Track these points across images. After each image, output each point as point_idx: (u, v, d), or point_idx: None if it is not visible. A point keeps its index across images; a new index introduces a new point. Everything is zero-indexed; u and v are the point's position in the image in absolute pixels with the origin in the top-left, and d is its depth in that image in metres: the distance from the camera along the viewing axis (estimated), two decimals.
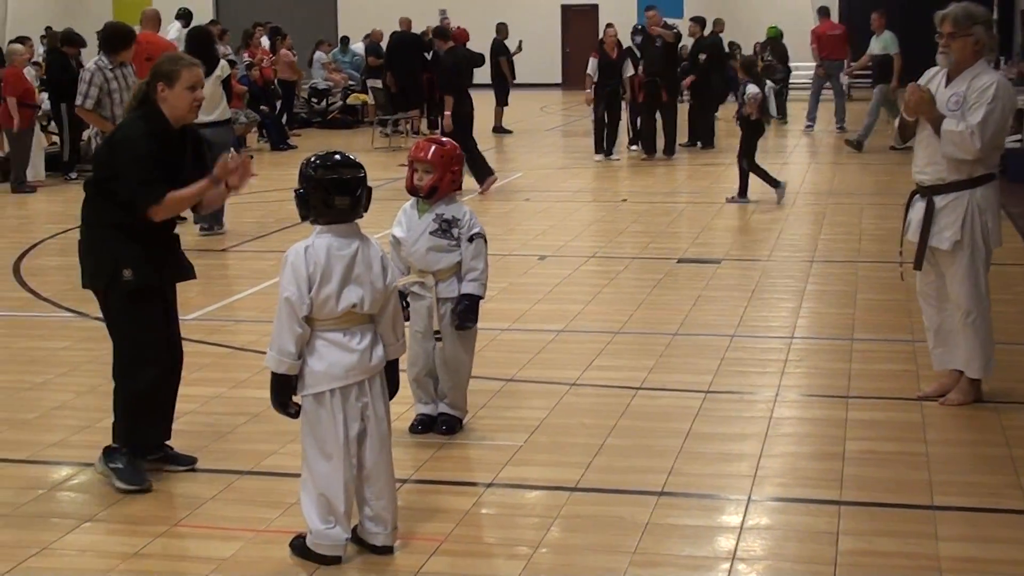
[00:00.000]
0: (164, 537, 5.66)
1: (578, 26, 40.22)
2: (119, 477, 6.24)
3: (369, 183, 5.33)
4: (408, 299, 6.81)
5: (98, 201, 6.29)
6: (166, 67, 6.28)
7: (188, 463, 6.49)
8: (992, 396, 7.40)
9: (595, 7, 40.17)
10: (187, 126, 6.41)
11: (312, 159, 5.28)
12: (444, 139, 6.99)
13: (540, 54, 37.71)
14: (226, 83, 13.59)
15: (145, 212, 6.10)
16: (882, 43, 22.06)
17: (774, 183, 15.46)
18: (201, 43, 13.67)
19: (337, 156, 5.30)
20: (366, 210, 5.32)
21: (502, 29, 26.49)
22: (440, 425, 6.97)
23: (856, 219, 14.20)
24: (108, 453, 6.35)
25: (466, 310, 6.77)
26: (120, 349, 6.31)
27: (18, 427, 7.28)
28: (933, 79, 7.31)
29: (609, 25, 21.10)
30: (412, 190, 6.77)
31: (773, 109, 15.61)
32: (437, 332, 6.82)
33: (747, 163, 15.55)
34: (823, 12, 25.76)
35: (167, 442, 6.52)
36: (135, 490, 6.18)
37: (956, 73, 7.15)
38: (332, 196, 5.19)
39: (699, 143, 22.25)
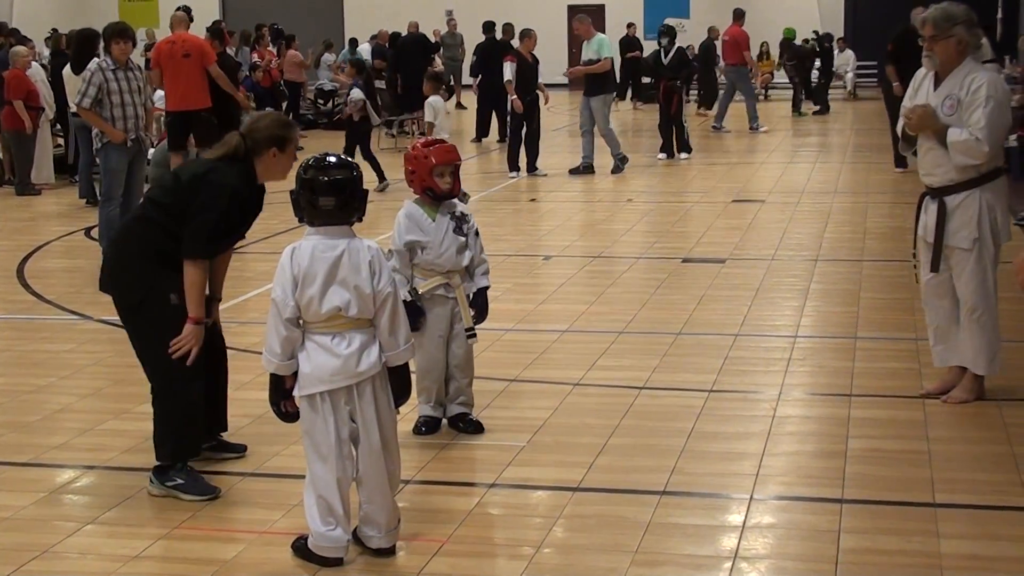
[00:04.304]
0: (166, 540, 5.67)
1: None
2: (187, 491, 6.14)
3: (365, 186, 5.35)
4: (421, 305, 6.79)
5: (153, 224, 6.15)
6: (281, 132, 6.13)
7: (240, 450, 6.70)
8: (995, 393, 7.39)
9: (602, 7, 40.12)
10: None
11: (307, 160, 5.31)
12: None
13: (546, 54, 37.36)
14: None
15: (188, 259, 5.99)
16: (594, 48, 20.42)
17: (381, 177, 17.12)
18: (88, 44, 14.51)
19: (331, 158, 5.31)
20: (362, 213, 5.31)
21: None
22: (468, 426, 7.00)
23: (861, 218, 14.17)
24: (161, 472, 6.23)
25: (486, 302, 6.91)
26: (168, 367, 6.10)
27: (21, 430, 7.28)
28: (923, 83, 7.31)
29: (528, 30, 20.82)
30: (449, 194, 6.77)
31: (378, 112, 18.38)
32: (469, 329, 6.87)
33: (349, 156, 16.94)
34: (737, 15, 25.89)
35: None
36: (209, 499, 6.10)
37: (944, 74, 7.16)
38: (317, 196, 5.20)
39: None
